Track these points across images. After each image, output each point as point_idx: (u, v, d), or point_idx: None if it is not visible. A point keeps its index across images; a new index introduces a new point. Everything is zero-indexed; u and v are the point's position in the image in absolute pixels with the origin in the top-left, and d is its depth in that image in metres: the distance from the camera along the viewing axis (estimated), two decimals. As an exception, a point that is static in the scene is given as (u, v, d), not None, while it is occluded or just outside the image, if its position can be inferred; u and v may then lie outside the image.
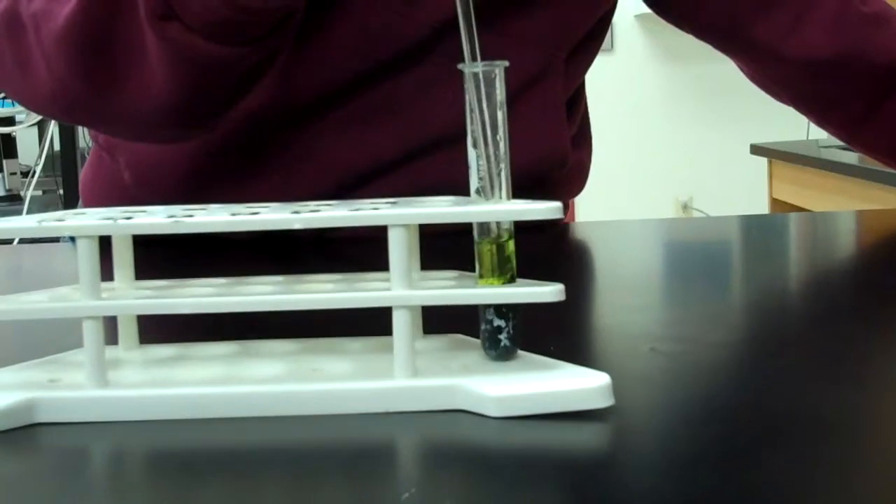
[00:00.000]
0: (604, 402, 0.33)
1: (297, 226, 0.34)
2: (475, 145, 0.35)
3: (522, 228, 0.44)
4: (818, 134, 2.91)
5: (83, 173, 0.85)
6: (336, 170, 0.74)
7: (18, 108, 3.14)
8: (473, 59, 0.35)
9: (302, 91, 0.72)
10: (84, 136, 2.63)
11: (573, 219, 3.67)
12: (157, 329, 0.43)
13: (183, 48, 0.59)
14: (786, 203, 2.98)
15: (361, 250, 0.39)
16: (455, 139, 0.36)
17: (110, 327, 0.40)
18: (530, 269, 0.37)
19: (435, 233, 0.45)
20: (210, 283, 0.39)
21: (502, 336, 0.36)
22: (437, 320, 0.39)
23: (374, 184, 0.74)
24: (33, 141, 3.32)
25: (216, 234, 0.72)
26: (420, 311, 0.39)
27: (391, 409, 0.34)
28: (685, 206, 4.13)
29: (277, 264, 0.69)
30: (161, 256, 0.68)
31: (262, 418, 0.34)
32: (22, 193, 3.00)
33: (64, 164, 2.78)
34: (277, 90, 0.71)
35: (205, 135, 0.69)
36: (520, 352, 0.36)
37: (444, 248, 0.41)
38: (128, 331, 0.40)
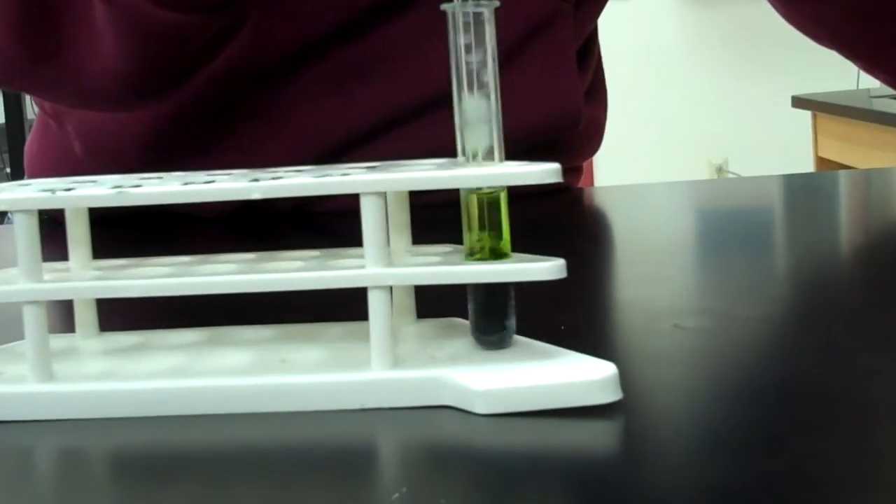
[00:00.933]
0: (608, 396, 0.32)
1: (255, 195, 0.34)
2: (462, 99, 0.34)
3: (530, 195, 0.43)
4: (869, 82, 2.90)
5: (28, 144, 0.84)
6: (315, 135, 0.73)
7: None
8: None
9: (275, 46, 0.71)
10: (33, 107, 2.62)
11: (591, 183, 3.65)
12: (126, 314, 0.43)
13: (131, 15, 0.58)
14: (833, 162, 2.97)
15: (347, 225, 0.39)
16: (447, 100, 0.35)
17: (69, 313, 0.40)
18: (538, 238, 0.37)
19: (431, 203, 0.44)
20: (172, 262, 0.39)
21: (473, 322, 0.35)
22: (442, 301, 0.38)
23: (360, 151, 0.73)
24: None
25: (186, 208, 0.72)
26: (412, 291, 0.39)
27: (366, 405, 0.33)
28: (719, 170, 4.13)
29: (255, 241, 0.69)
30: (129, 235, 0.69)
31: (224, 415, 0.34)
32: (-35, 174, 2.99)
33: (10, 138, 2.75)
34: (247, 46, 0.71)
35: (161, 104, 0.69)
36: (518, 337, 0.36)
37: (446, 218, 0.40)
38: (85, 316, 0.40)
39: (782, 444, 0.29)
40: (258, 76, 0.72)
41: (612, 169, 3.77)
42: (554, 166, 0.33)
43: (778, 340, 0.40)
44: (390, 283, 0.34)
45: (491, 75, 0.34)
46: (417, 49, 0.72)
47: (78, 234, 0.39)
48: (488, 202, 0.35)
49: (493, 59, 0.34)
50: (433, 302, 0.39)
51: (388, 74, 0.73)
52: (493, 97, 0.34)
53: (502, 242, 0.35)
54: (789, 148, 3.90)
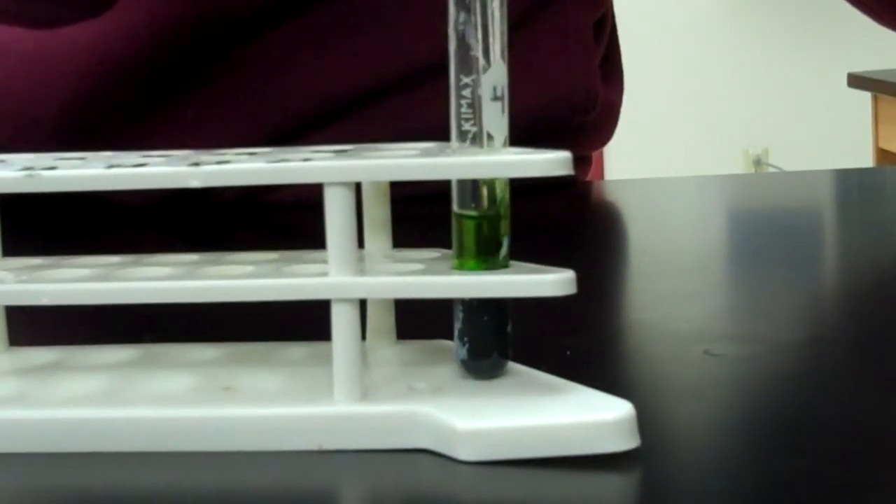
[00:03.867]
0: (622, 442, 0.32)
1: (194, 183, 0.34)
2: (465, 70, 0.34)
3: (527, 189, 0.43)
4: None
5: None
6: (278, 106, 0.73)
7: None
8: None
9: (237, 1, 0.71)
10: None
11: (601, 176, 3.64)
12: (42, 325, 0.44)
13: None
14: None
15: (311, 219, 0.39)
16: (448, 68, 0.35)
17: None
18: (537, 242, 0.37)
19: (418, 195, 0.44)
20: (97, 263, 0.39)
21: (457, 345, 0.35)
22: (432, 320, 0.38)
23: (332, 128, 0.74)
24: None
25: (113, 196, 0.72)
26: (391, 306, 0.39)
27: (325, 447, 0.33)
28: (758, 162, 4.14)
29: (195, 238, 0.69)
30: (44, 226, 0.69)
31: (150, 454, 0.34)
32: None
33: None
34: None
35: (83, 14, 0.68)
36: (513, 365, 0.36)
37: (436, 214, 0.40)
38: None
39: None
40: (208, 37, 0.72)
41: (625, 159, 3.77)
42: (563, 155, 0.33)
43: (831, 372, 0.40)
44: (358, 295, 0.34)
45: (498, 40, 0.34)
46: (409, 7, 0.72)
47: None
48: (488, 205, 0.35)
49: (503, 22, 0.34)
50: (421, 320, 0.38)
51: (370, 37, 0.73)
52: (496, 69, 0.34)
53: (500, 247, 0.35)
54: (843, 137, 3.91)
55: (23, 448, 0.34)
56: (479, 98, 0.34)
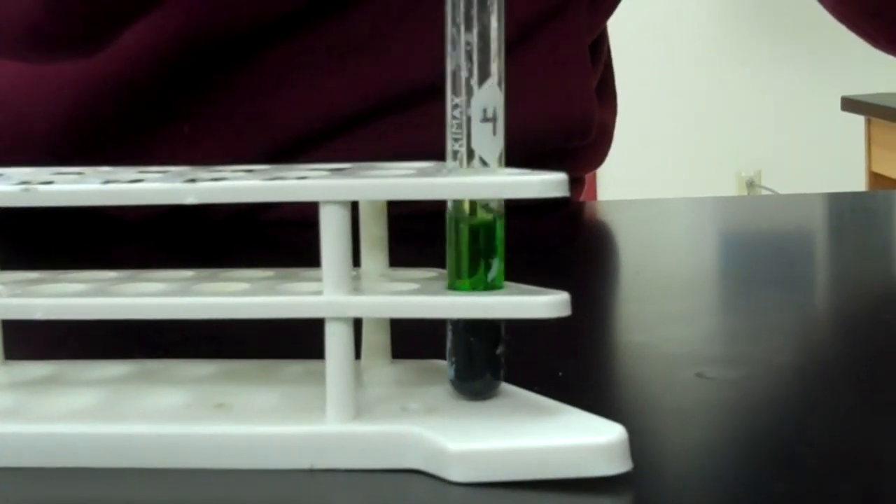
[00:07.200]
0: (614, 466, 0.32)
1: (189, 199, 0.34)
2: (456, 91, 0.34)
3: (521, 208, 0.43)
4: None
5: None
6: (272, 127, 0.73)
7: None
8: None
9: (235, 19, 0.72)
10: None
11: (593, 197, 3.63)
12: (38, 340, 0.44)
13: None
14: (889, 178, 2.98)
15: (310, 237, 0.39)
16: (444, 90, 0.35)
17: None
18: (529, 263, 0.37)
19: (413, 214, 0.44)
20: (93, 278, 0.39)
21: (448, 365, 0.35)
22: (426, 340, 0.38)
23: (329, 147, 0.74)
24: None
25: (110, 211, 0.72)
26: (387, 325, 0.39)
27: (316, 466, 0.33)
28: (750, 184, 4.14)
29: (192, 253, 0.69)
30: (41, 241, 0.69)
31: (143, 470, 0.34)
32: None
33: None
34: (200, 16, 0.71)
35: (83, 58, 0.68)
36: (506, 386, 0.36)
37: (438, 234, 0.40)
38: None
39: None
40: (208, 56, 0.72)
41: (618, 180, 3.77)
42: (559, 177, 0.33)
43: (823, 395, 0.40)
44: (351, 314, 0.34)
45: (496, 60, 0.34)
46: (405, 28, 0.73)
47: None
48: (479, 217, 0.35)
49: (499, 42, 0.34)
50: (418, 339, 0.38)
51: (366, 57, 0.73)
52: (492, 89, 0.34)
53: (494, 270, 0.35)
54: (836, 160, 3.91)
55: (15, 462, 0.34)
56: (469, 118, 0.34)
